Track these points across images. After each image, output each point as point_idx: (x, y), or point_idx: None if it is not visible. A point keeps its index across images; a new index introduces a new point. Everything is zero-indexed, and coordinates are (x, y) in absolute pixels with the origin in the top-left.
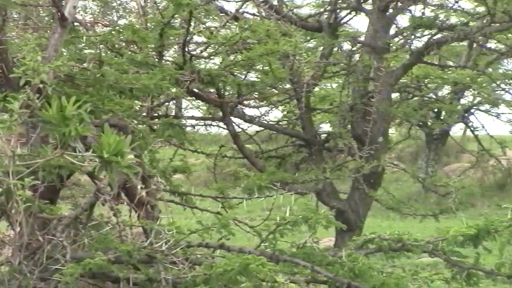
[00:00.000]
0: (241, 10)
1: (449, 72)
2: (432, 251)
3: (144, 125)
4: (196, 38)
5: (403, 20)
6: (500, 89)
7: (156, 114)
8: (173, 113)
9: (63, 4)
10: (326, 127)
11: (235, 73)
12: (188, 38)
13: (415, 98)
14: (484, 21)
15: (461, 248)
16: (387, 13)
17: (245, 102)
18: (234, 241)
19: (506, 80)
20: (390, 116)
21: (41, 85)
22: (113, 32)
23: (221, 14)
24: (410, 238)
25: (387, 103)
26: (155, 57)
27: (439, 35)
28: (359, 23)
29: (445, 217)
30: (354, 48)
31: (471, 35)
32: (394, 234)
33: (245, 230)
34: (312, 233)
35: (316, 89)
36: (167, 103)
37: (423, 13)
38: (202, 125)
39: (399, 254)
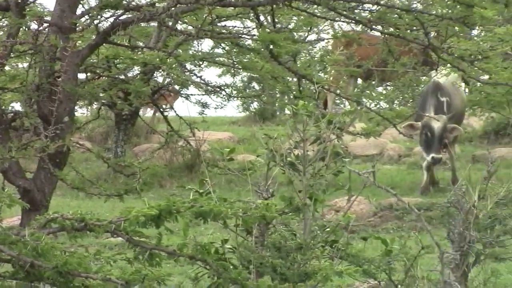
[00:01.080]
0: None
1: (139, 53)
2: (114, 231)
3: None
4: None
5: (92, 0)
6: (188, 70)
7: None
8: None
9: None
10: (17, 106)
11: None
12: None
13: (104, 78)
14: (170, 2)
15: (144, 229)
16: None
17: None
18: None
19: (196, 62)
20: (76, 96)
21: None
22: None
23: None
24: (93, 217)
25: (73, 82)
26: None
27: (127, 16)
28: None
29: (134, 198)
30: (41, 28)
31: (157, 16)
32: (77, 213)
33: None
34: None
35: (8, 68)
36: None
37: None
38: None
39: (83, 234)
